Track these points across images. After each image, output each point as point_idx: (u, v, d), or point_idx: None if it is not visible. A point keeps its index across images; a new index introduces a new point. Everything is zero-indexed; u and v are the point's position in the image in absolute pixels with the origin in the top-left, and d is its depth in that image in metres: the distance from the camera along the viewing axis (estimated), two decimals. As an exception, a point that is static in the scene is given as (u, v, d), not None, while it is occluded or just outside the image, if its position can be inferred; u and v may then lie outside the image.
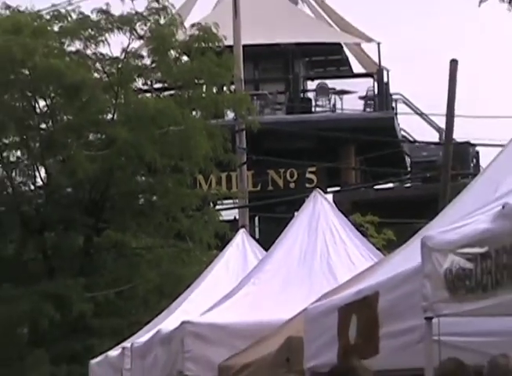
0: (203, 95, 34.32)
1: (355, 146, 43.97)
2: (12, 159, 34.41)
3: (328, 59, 48.78)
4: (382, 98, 46.10)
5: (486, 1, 20.87)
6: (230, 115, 36.00)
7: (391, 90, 46.34)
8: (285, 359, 10.78)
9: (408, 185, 46.13)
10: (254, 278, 14.38)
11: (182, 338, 13.60)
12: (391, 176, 46.02)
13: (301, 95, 47.24)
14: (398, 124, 46.23)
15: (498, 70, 54.05)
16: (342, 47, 48.55)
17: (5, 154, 34.02)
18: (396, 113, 46.11)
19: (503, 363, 7.04)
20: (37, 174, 34.86)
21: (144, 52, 34.18)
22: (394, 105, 46.28)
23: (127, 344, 16.91)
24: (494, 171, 9.85)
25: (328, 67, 49.41)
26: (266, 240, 16.82)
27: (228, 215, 37.21)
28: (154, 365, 15.06)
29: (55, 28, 34.00)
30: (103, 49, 34.21)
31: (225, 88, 35.17)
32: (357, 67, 49.07)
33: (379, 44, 46.45)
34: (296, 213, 15.29)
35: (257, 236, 22.54)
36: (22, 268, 32.61)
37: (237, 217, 35.42)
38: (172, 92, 34.60)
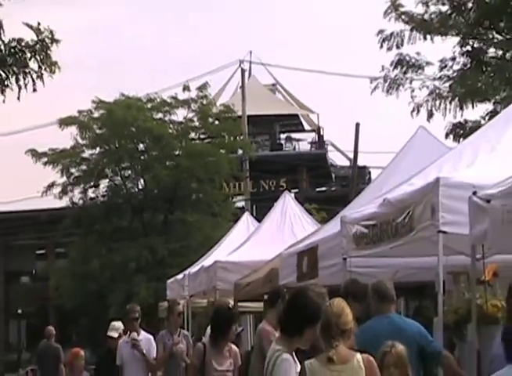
0: (226, 141, 34.30)
1: (306, 168, 43.90)
2: (125, 174, 34.41)
3: (291, 122, 48.52)
4: (319, 143, 46.03)
5: (375, 91, 20.73)
6: (240, 151, 35.91)
7: (325, 138, 46.24)
8: (269, 281, 10.75)
9: (333, 189, 45.89)
10: (253, 238, 14.35)
11: (215, 269, 13.57)
12: (324, 184, 46.15)
13: (277, 141, 47.11)
14: (328, 156, 46.11)
15: (389, 122, 54.46)
16: (298, 116, 48.41)
17: (122, 172, 34.04)
18: (327, 151, 45.92)
19: (380, 282, 7.01)
20: (139, 183, 34.90)
21: (195, 119, 34.17)
22: (326, 146, 46.10)
23: (186, 272, 16.85)
24: (379, 182, 9.86)
25: (291, 127, 49.12)
26: (259, 218, 16.79)
27: (240, 204, 37.13)
28: (200, 283, 14.99)
29: (148, 106, 33.94)
30: (174, 117, 34.26)
31: (237, 138, 35.19)
32: (306, 126, 48.91)
33: (318, 114, 46.43)
34: (275, 203, 15.20)
35: (254, 215, 22.55)
36: (131, 232, 32.53)
37: (244, 205, 35.35)
38: (210, 140, 34.55)
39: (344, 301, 4.94)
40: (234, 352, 7.10)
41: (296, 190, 41.76)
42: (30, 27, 11.85)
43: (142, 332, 9.91)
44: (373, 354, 4.89)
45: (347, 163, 43.58)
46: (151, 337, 9.92)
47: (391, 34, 20.05)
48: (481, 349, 6.17)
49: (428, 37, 20.02)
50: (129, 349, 9.63)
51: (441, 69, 20.31)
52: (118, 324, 11.17)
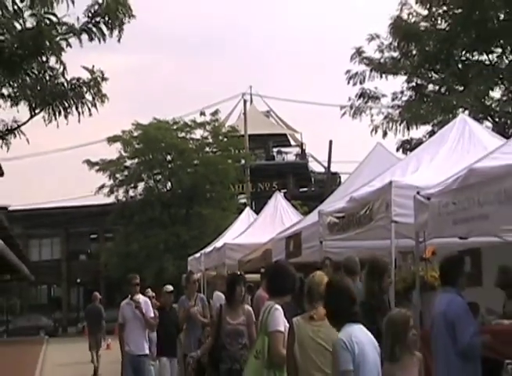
0: (232, 153, 34.27)
1: (292, 174, 43.84)
2: (157, 179, 34.41)
3: (281, 139, 48.37)
4: (302, 155, 45.95)
5: (344, 116, 20.73)
6: (242, 161, 35.81)
7: (306, 151, 46.14)
8: (264, 258, 10.74)
9: (312, 189, 45.62)
10: (252, 226, 14.31)
11: (224, 249, 13.54)
12: (306, 186, 45.95)
13: (271, 153, 47.00)
14: (309, 165, 45.97)
15: (354, 139, 54.49)
16: (287, 135, 48.32)
17: (154, 177, 34.06)
18: (308, 161, 45.83)
19: (348, 259, 6.98)
20: (167, 185, 34.86)
21: (209, 137, 34.15)
22: (307, 157, 45.99)
23: (202, 251, 16.79)
24: (347, 184, 9.85)
25: (281, 143, 48.99)
26: (257, 211, 16.76)
27: (242, 201, 37.00)
28: (213, 260, 14.87)
29: (174, 127, 33.95)
30: (193, 135, 34.27)
31: (240, 151, 35.13)
32: (292, 143, 48.80)
33: (301, 133, 46.41)
34: (269, 200, 15.17)
35: (253, 209, 22.48)
36: (161, 222, 32.50)
37: (246, 202, 35.29)
38: (220, 152, 34.51)
39: (324, 274, 4.97)
40: (247, 311, 6.91)
41: (285, 190, 41.56)
42: (87, 68, 12.02)
43: (141, 296, 9.49)
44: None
45: (323, 170, 43.59)
46: (147, 299, 9.69)
47: (356, 73, 20.21)
48: (422, 310, 6.17)
49: (383, 75, 20.19)
50: (131, 310, 9.18)
51: (393, 99, 20.52)
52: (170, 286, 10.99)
